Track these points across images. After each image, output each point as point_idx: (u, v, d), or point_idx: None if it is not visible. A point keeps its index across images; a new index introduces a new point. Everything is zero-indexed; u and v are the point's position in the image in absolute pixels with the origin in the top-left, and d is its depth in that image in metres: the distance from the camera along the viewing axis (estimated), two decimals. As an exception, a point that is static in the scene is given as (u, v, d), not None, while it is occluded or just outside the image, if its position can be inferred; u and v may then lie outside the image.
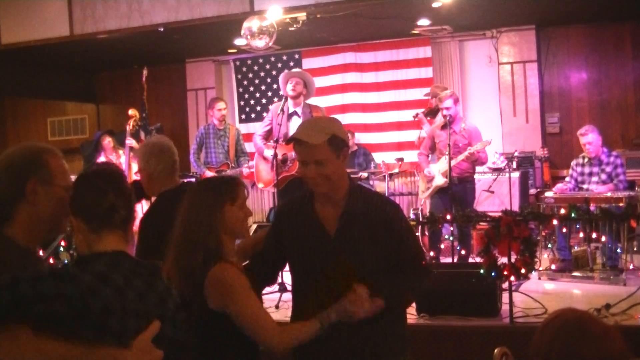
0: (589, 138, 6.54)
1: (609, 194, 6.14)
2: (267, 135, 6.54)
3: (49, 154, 1.99)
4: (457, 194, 6.52)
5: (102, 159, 7.83)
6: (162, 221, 2.62)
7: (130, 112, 7.41)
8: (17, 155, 1.95)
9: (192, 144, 8.11)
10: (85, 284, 1.68)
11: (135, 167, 7.02)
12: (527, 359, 1.66)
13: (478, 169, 7.16)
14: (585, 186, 6.58)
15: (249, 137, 10.32)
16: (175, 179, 3.40)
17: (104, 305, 1.69)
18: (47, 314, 1.62)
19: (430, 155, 7.07)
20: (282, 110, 6.25)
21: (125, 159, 7.29)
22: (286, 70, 6.70)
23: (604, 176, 6.51)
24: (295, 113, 6.37)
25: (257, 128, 7.17)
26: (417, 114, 8.05)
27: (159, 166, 3.30)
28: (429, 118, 7.92)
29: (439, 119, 6.96)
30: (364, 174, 8.50)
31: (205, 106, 10.70)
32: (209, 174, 7.41)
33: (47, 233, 2.01)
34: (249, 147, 9.75)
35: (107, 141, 7.85)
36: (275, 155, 6.16)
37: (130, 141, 7.37)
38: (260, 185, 6.98)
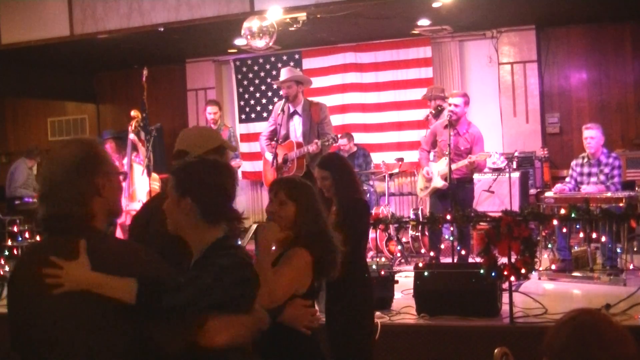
0: (592, 133, 6.49)
1: (609, 194, 6.13)
2: (272, 136, 6.51)
3: (99, 146, 2.07)
4: (456, 195, 6.51)
5: None
6: None
7: (133, 113, 7.40)
8: (78, 154, 1.97)
9: None
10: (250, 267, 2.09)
11: (138, 168, 7.01)
12: (538, 354, 1.66)
13: (477, 169, 7.15)
14: (583, 186, 6.57)
15: (249, 137, 10.39)
16: None
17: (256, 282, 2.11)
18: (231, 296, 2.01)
19: (431, 152, 7.04)
20: (283, 110, 6.23)
21: (127, 160, 7.26)
22: (279, 78, 6.68)
23: (602, 177, 6.49)
24: (295, 112, 6.36)
25: (263, 128, 7.16)
26: (428, 115, 8.01)
27: None
28: (435, 118, 7.88)
29: (444, 117, 6.91)
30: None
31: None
32: None
33: (110, 220, 2.11)
34: (249, 147, 9.79)
35: (109, 146, 7.86)
36: (275, 155, 6.15)
37: (132, 136, 7.35)
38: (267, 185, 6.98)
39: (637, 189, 6.94)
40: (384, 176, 8.29)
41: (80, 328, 1.84)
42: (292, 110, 6.35)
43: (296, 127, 6.33)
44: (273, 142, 6.29)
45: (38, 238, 7.78)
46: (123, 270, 1.87)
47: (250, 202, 10.68)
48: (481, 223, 5.39)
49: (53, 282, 1.84)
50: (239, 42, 8.91)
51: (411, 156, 9.16)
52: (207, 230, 2.10)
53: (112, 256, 1.92)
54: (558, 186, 6.76)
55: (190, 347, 1.93)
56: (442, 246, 6.96)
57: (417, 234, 7.63)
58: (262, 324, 2.16)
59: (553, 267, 6.28)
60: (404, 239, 7.60)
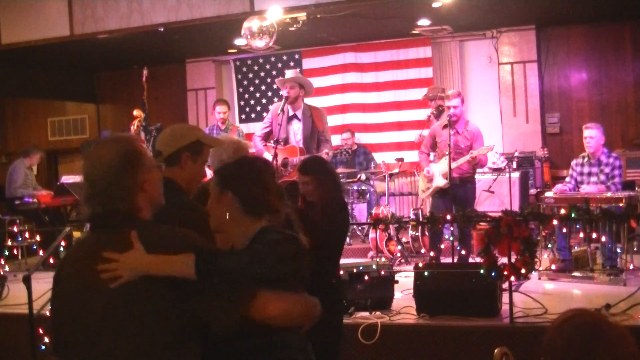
0: (592, 132, 6.48)
1: (609, 194, 6.12)
2: (267, 137, 6.48)
3: (137, 141, 2.12)
4: (457, 194, 6.51)
5: None
6: None
7: (135, 112, 7.41)
8: (119, 152, 2.01)
9: None
10: (300, 242, 2.15)
11: None
12: (539, 355, 1.67)
13: (478, 169, 7.15)
14: (583, 186, 6.56)
15: (248, 137, 10.37)
16: None
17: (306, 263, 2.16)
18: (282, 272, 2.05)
19: (431, 154, 7.05)
20: (282, 110, 6.20)
21: None
22: (280, 77, 6.66)
23: (602, 177, 6.48)
24: (295, 116, 6.32)
25: (257, 129, 7.15)
26: (429, 115, 8.02)
27: None
28: (437, 118, 7.89)
29: (444, 118, 6.92)
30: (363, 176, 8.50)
31: (206, 106, 10.73)
32: (209, 172, 7.40)
33: (154, 212, 2.12)
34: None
35: None
36: (275, 156, 6.12)
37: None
38: None
39: (637, 189, 6.93)
40: (384, 176, 8.29)
41: (129, 321, 1.87)
42: (291, 113, 6.31)
43: (295, 131, 6.30)
44: (271, 144, 6.21)
45: (38, 238, 7.81)
46: (177, 250, 1.93)
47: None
48: (481, 223, 5.40)
49: (110, 276, 1.87)
50: (239, 42, 8.91)
51: (411, 156, 9.16)
52: (249, 223, 2.15)
53: (163, 240, 1.98)
54: (558, 186, 6.75)
55: (243, 322, 1.96)
56: (443, 246, 6.96)
57: (417, 234, 7.63)
58: (315, 310, 2.17)
59: (553, 267, 6.27)
60: (404, 239, 7.60)
